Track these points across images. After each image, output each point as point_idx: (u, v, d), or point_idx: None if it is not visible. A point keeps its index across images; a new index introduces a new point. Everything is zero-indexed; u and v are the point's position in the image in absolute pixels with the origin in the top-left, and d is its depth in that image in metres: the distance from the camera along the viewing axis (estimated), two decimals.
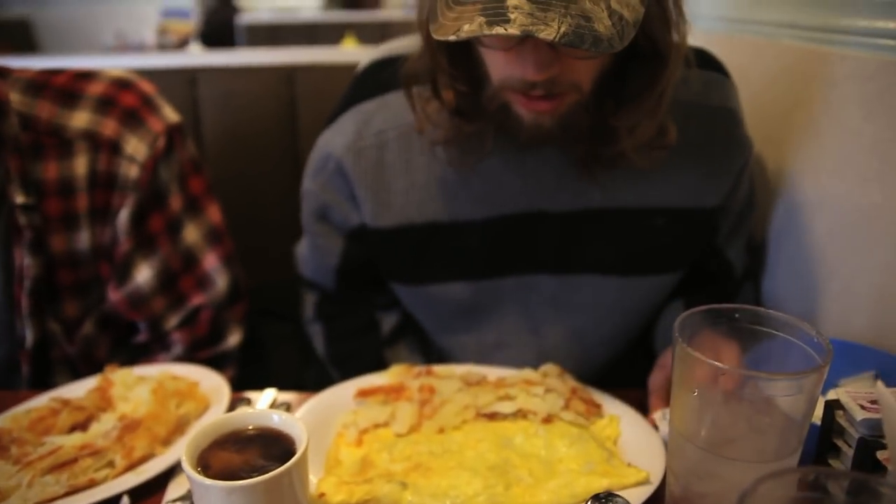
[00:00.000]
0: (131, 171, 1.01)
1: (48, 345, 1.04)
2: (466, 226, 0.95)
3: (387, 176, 0.95)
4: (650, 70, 0.80)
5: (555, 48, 0.72)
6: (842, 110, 0.95)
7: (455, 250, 0.97)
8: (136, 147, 1.02)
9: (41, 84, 1.03)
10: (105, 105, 1.02)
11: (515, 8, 0.64)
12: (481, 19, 0.65)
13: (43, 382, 1.06)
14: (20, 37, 5.64)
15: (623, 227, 0.95)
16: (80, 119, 1.01)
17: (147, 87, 1.07)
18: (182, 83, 1.45)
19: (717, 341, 0.64)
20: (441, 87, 0.85)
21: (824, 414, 0.67)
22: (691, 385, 0.63)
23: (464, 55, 0.83)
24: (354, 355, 0.89)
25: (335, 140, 0.97)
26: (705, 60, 0.96)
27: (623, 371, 1.11)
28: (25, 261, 0.99)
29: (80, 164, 1.00)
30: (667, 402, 0.81)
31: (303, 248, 1.12)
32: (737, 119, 0.96)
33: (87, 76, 1.05)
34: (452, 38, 0.66)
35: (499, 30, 0.64)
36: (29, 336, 1.01)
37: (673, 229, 0.97)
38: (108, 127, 1.01)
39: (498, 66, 0.78)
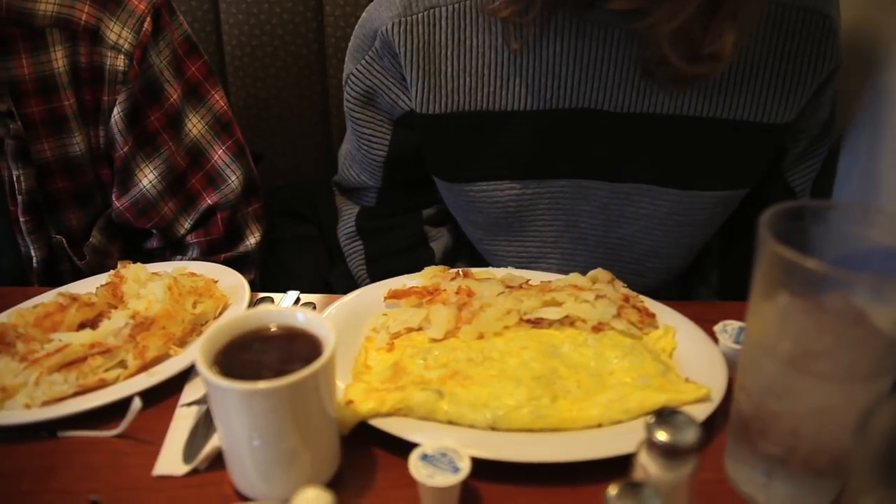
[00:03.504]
0: (118, 63, 0.90)
1: (56, 260, 0.97)
2: (517, 117, 0.87)
3: (437, 57, 0.87)
4: None
5: None
6: None
7: (504, 144, 0.89)
8: (119, 34, 0.90)
9: None
10: None
11: None
12: None
13: None
14: None
15: (687, 136, 0.87)
16: (49, 2, 0.88)
17: None
18: None
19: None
20: None
21: None
22: (776, 289, 0.55)
23: None
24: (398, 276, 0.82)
25: (381, 14, 0.87)
26: None
27: (672, 292, 1.04)
28: (14, 174, 0.90)
29: (58, 58, 0.89)
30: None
31: (345, 145, 1.02)
32: (831, 28, 0.84)
33: None
34: None
35: None
36: (34, 254, 0.94)
37: (740, 143, 0.88)
38: (83, 11, 0.89)
39: None
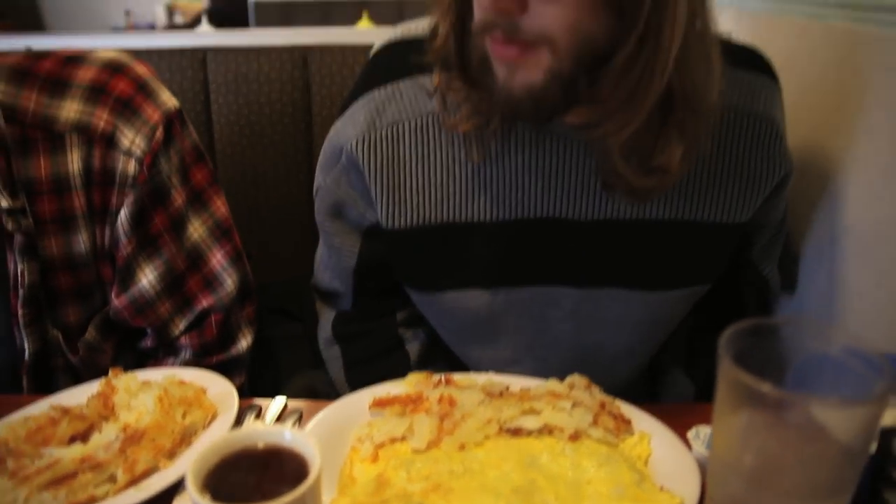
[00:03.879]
0: (129, 167, 0.95)
1: (49, 354, 0.99)
2: (483, 228, 0.90)
3: (401, 172, 0.89)
4: (640, 41, 0.69)
5: None
6: None
7: (471, 254, 0.92)
8: (132, 140, 0.95)
9: (25, 70, 0.95)
10: (96, 93, 0.95)
11: None
12: None
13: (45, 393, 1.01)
14: (28, 15, 5.60)
15: (649, 240, 0.90)
16: (71, 110, 0.94)
17: (141, 69, 0.99)
18: (192, 64, 1.39)
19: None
20: (441, 26, 0.79)
21: (880, 442, 0.62)
22: (736, 407, 0.58)
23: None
24: (378, 382, 0.84)
25: (347, 132, 0.90)
26: (755, 61, 0.89)
27: (643, 386, 1.06)
28: (19, 267, 0.93)
29: (74, 160, 0.94)
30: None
31: (319, 252, 1.06)
32: (780, 132, 0.89)
33: (75, 60, 0.97)
34: None
35: None
36: (28, 346, 0.96)
37: (701, 243, 0.91)
38: (101, 118, 0.94)
39: (476, 6, 0.72)
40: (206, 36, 1.47)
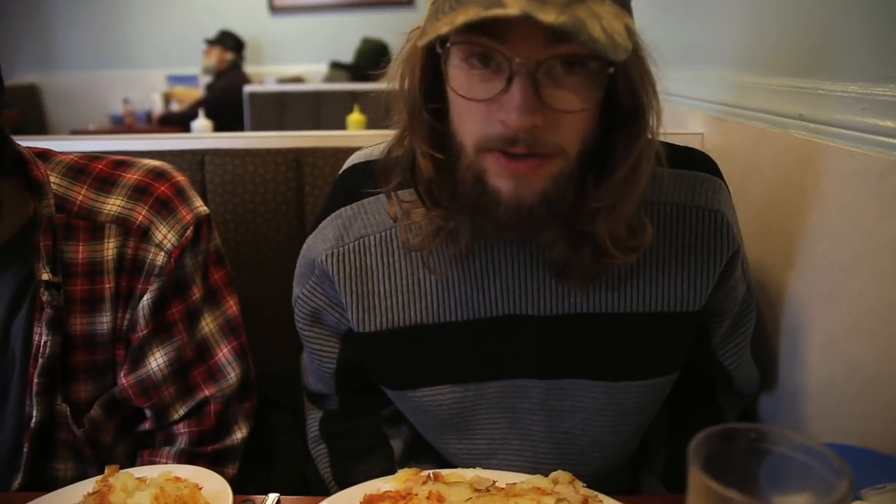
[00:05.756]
0: (158, 258, 1.03)
1: (54, 425, 1.03)
2: (450, 328, 0.95)
3: (370, 280, 0.96)
4: (629, 132, 0.79)
5: (539, 96, 0.72)
6: (855, 206, 0.94)
7: (440, 353, 0.96)
8: (165, 235, 1.04)
9: (81, 168, 1.06)
10: (139, 192, 1.05)
11: (514, 1, 0.66)
12: (478, 8, 0.67)
13: (44, 465, 1.04)
14: (28, 101, 5.76)
15: (607, 332, 0.94)
16: (114, 204, 1.04)
17: (180, 178, 1.10)
18: (191, 165, 1.46)
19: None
20: (420, 156, 0.83)
21: None
22: None
23: (441, 127, 0.82)
24: (364, 479, 0.87)
25: (318, 246, 0.98)
26: (698, 162, 0.95)
27: (625, 478, 1.09)
28: (43, 338, 0.99)
29: (109, 248, 1.02)
30: None
31: (303, 357, 1.11)
32: (723, 221, 0.93)
33: (124, 164, 1.08)
34: (445, 30, 0.68)
35: (496, 11, 0.65)
36: (35, 415, 1.01)
37: (658, 334, 0.95)
38: (140, 214, 1.04)
39: (477, 124, 0.76)
40: (205, 139, 1.54)
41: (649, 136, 0.80)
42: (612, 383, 0.96)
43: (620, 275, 0.92)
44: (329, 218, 0.97)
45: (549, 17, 0.64)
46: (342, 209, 0.96)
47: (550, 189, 0.78)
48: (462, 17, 0.66)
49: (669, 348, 0.98)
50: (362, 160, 0.99)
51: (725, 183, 0.96)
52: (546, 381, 0.96)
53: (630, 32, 0.72)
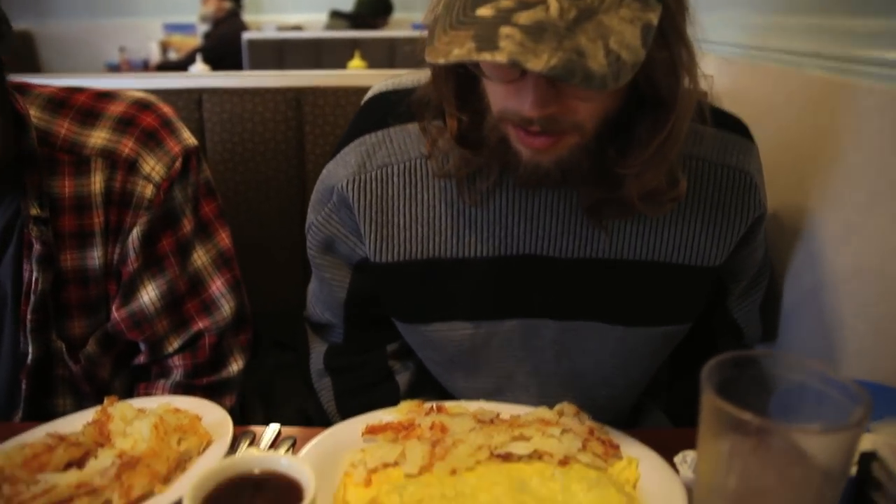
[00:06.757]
0: (147, 191, 1.01)
1: (51, 362, 1.02)
2: (469, 264, 0.94)
3: (390, 210, 0.94)
4: (655, 117, 0.78)
5: (555, 86, 0.71)
6: (871, 144, 0.92)
7: (456, 289, 0.95)
8: (153, 167, 1.01)
9: (61, 101, 1.03)
10: (124, 124, 1.02)
11: (507, 37, 0.64)
12: (471, 45, 0.65)
13: (43, 401, 1.03)
14: (22, 50, 5.63)
15: (628, 279, 0.94)
16: (99, 137, 1.01)
17: (167, 109, 1.07)
18: (188, 104, 1.42)
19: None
20: (447, 115, 0.85)
21: (859, 466, 0.64)
22: (719, 434, 0.60)
23: (469, 84, 0.82)
24: (367, 412, 0.86)
25: (338, 172, 0.95)
26: (733, 125, 0.94)
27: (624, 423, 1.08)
28: (34, 275, 0.98)
29: (97, 182, 1.00)
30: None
31: (311, 286, 1.09)
32: (752, 183, 0.93)
33: (107, 96, 1.05)
34: (441, 61, 0.67)
35: (485, 55, 0.64)
36: (31, 352, 1.00)
37: (676, 284, 0.95)
38: (126, 146, 1.01)
39: (498, 98, 0.77)
40: (203, 77, 1.51)
41: (678, 117, 0.78)
42: (626, 328, 0.96)
43: (646, 223, 0.91)
44: (352, 144, 0.94)
45: (539, 61, 0.63)
46: (366, 136, 0.93)
47: (566, 157, 0.79)
48: (457, 51, 0.66)
49: (686, 300, 0.98)
50: (390, 88, 0.96)
51: (757, 148, 0.95)
52: (561, 321, 0.96)
53: (648, 34, 0.68)
